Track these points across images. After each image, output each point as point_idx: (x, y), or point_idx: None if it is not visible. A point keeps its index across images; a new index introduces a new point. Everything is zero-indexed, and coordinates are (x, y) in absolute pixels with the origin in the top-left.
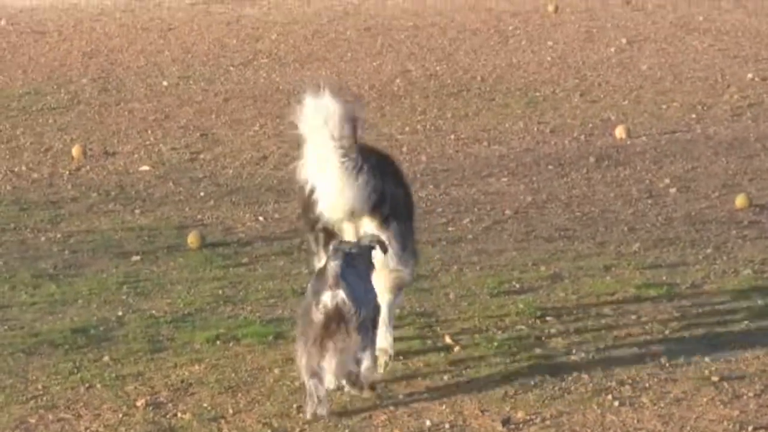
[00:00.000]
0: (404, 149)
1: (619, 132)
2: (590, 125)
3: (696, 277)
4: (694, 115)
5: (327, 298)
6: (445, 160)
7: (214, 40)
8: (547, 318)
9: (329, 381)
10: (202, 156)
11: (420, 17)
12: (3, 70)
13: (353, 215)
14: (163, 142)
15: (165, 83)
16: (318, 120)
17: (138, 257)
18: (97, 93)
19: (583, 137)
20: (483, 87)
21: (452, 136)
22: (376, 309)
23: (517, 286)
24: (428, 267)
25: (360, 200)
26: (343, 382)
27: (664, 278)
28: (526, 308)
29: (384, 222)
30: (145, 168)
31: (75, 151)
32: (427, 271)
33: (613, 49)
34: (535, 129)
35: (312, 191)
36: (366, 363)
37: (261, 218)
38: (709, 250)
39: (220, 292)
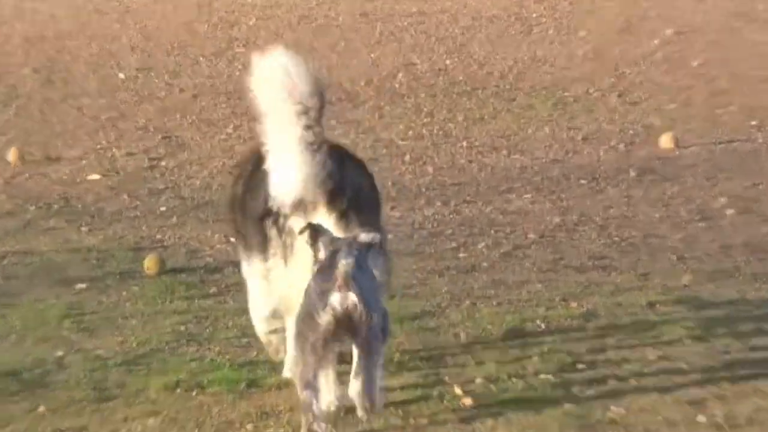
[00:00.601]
0: (407, 158)
1: (665, 141)
2: (630, 132)
3: (760, 317)
4: (754, 122)
5: (336, 301)
6: (455, 171)
7: (181, 25)
8: (578, 365)
9: (333, 399)
10: (163, 163)
11: (427, 2)
12: None
13: (306, 203)
14: (117, 146)
15: (121, 76)
16: (277, 80)
17: (83, 285)
18: (40, 86)
19: (621, 146)
20: (502, 85)
21: (464, 143)
22: (386, 318)
23: (542, 325)
24: (434, 301)
25: (314, 183)
26: (352, 400)
27: (720, 318)
28: (552, 353)
29: (342, 217)
30: (95, 177)
31: (11, 155)
32: (432, 306)
33: (657, 42)
34: (564, 136)
35: (261, 169)
36: (378, 381)
37: (233, 239)
38: None
39: (183, 328)
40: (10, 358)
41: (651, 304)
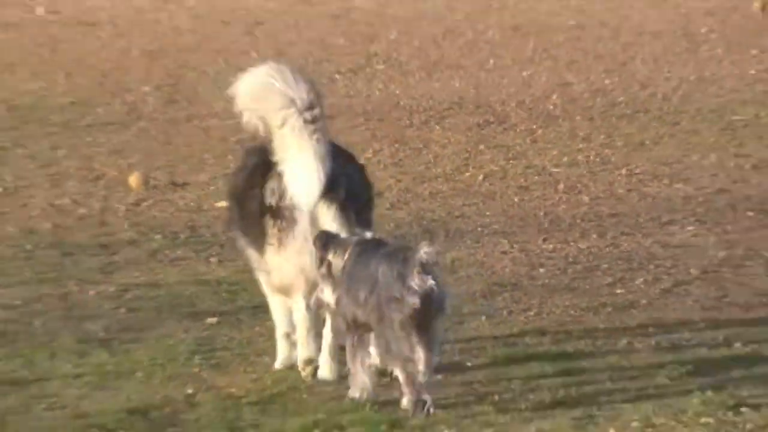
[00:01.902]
0: (561, 186)
1: None
2: None
3: None
4: None
5: (416, 283)
6: (613, 201)
7: (315, 39)
8: (742, 409)
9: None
10: None
11: (584, 14)
12: (41, 74)
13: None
14: None
15: None
16: (279, 90)
17: (214, 319)
18: (163, 105)
19: None
20: (665, 107)
21: (624, 171)
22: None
23: (704, 367)
24: (588, 340)
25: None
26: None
27: None
28: (715, 397)
29: (341, 209)
30: (224, 204)
31: (133, 180)
32: (586, 345)
33: None
34: (732, 164)
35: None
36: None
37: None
38: None
39: None
40: (137, 396)
41: None
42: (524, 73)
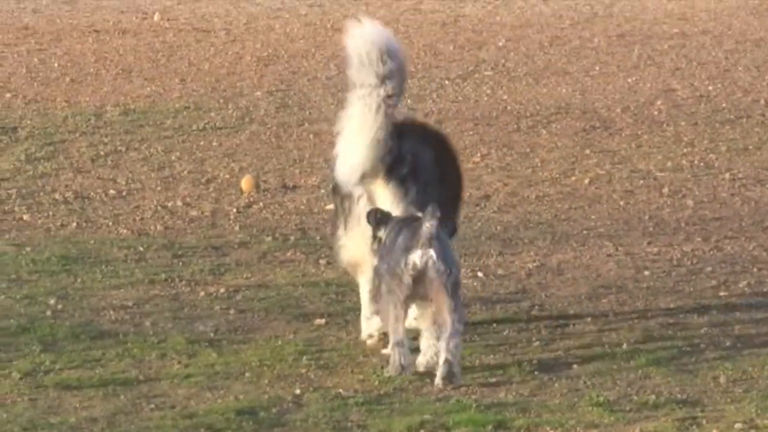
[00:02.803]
0: (665, 190)
1: None
2: None
3: None
4: None
5: (416, 257)
6: (717, 205)
7: (425, 46)
8: None
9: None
10: None
11: (689, 22)
12: (156, 79)
13: (367, 175)
14: None
15: None
16: (361, 51)
17: (322, 321)
18: (275, 110)
19: None
20: (767, 113)
21: (727, 176)
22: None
23: None
24: (692, 341)
25: (375, 159)
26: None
27: None
28: None
29: (398, 186)
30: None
31: (245, 183)
32: (690, 346)
33: None
34: None
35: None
36: (453, 336)
37: (480, 274)
38: None
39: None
40: (245, 396)
41: None
42: (629, 80)
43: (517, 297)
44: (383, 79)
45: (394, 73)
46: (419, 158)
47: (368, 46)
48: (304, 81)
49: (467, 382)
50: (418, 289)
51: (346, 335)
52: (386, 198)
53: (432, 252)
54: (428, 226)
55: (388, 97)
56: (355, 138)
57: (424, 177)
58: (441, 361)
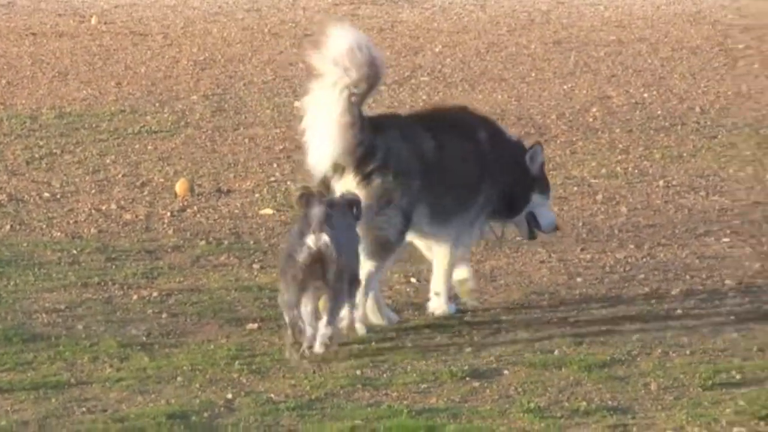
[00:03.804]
0: (599, 197)
1: None
2: None
3: None
4: None
5: (311, 241)
6: (651, 212)
7: None
8: None
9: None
10: None
11: (625, 30)
12: (92, 82)
13: (339, 167)
14: (292, 178)
15: (297, 104)
16: (337, 52)
17: (255, 325)
18: (210, 114)
19: None
20: (702, 121)
21: (661, 183)
22: (357, 263)
23: (738, 377)
24: (624, 349)
25: (345, 151)
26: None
27: None
28: (748, 406)
29: (365, 180)
30: (268, 211)
31: (179, 186)
32: (622, 354)
33: None
34: None
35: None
36: (330, 318)
37: (414, 279)
38: None
39: (358, 372)
40: (177, 401)
41: None
42: (565, 86)
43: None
44: (346, 70)
45: (361, 66)
46: (393, 151)
47: (340, 41)
48: (240, 85)
49: (399, 388)
50: (315, 272)
51: (278, 340)
52: (355, 190)
53: (325, 236)
54: (316, 211)
55: (354, 88)
56: (320, 127)
57: (398, 169)
58: (316, 345)
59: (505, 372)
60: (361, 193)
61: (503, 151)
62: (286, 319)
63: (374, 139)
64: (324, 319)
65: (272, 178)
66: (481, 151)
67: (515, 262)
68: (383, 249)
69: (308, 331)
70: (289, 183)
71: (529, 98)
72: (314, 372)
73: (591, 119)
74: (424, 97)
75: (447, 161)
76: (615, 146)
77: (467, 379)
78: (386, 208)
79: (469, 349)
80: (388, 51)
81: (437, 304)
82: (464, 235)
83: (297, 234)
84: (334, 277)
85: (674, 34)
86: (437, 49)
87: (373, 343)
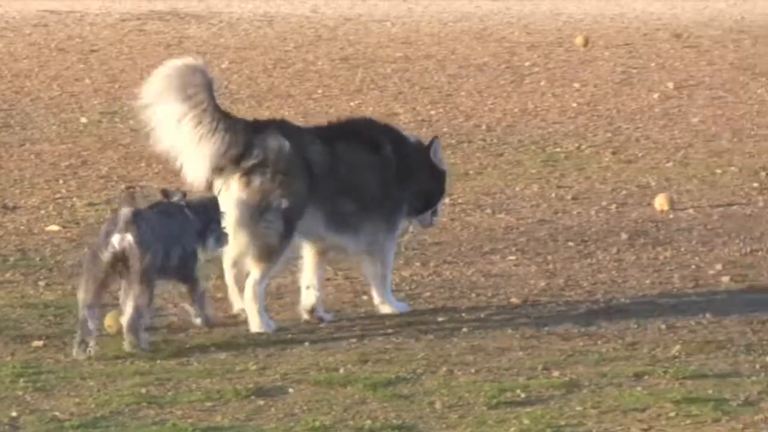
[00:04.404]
0: None
1: (660, 202)
2: (623, 192)
3: (751, 391)
4: (756, 184)
5: (116, 240)
6: (436, 230)
7: (149, 67)
8: None
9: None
10: None
11: (412, 46)
12: None
13: (218, 169)
14: (78, 195)
15: (83, 120)
16: (167, 83)
17: (40, 342)
18: None
19: (613, 207)
20: (489, 138)
21: (447, 200)
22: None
23: (523, 395)
24: (409, 367)
25: (218, 155)
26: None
27: (710, 392)
28: (532, 424)
29: (245, 176)
30: (54, 228)
31: None
32: (407, 372)
33: (656, 96)
34: (553, 195)
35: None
36: (131, 311)
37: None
38: None
39: (144, 390)
40: None
41: (638, 375)
42: (352, 103)
43: (235, 320)
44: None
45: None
46: (270, 151)
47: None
48: (26, 101)
49: (184, 406)
50: (118, 271)
51: (64, 357)
52: (234, 190)
53: (129, 236)
54: (124, 211)
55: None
56: (191, 146)
57: (277, 168)
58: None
59: (291, 390)
60: (243, 195)
61: (408, 154)
62: (79, 315)
63: (252, 139)
64: (126, 319)
65: (58, 195)
66: (386, 158)
67: (301, 279)
68: (267, 255)
69: (93, 331)
70: (74, 199)
71: (317, 115)
72: (99, 390)
73: None
74: None
75: (344, 168)
76: None
77: (252, 397)
78: (266, 212)
79: (254, 367)
80: None
81: (389, 310)
82: (387, 241)
83: (104, 233)
84: (137, 278)
85: (461, 52)
86: (224, 65)
87: (159, 361)
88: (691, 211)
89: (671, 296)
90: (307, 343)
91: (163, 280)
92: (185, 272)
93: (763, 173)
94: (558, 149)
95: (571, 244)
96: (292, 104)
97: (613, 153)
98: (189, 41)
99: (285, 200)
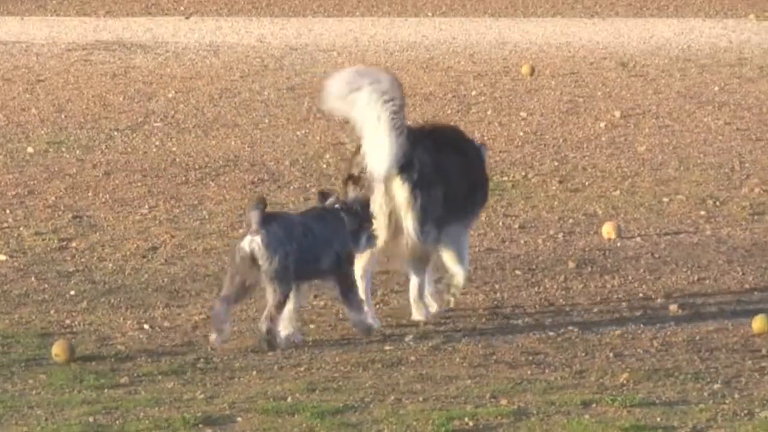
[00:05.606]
0: None
1: (607, 231)
2: (570, 221)
3: (699, 419)
4: (703, 212)
5: (245, 243)
6: (385, 258)
7: (95, 97)
8: None
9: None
10: (73, 244)
11: None
12: None
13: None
14: (25, 224)
15: (30, 150)
16: (367, 81)
17: None
18: None
19: (561, 236)
20: None
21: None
22: (296, 263)
23: (471, 423)
24: (357, 396)
25: (393, 160)
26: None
27: (658, 419)
28: None
29: (413, 189)
30: (1, 258)
31: None
32: (355, 400)
33: (603, 125)
34: (500, 223)
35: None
36: (271, 312)
37: (147, 326)
38: (716, 386)
39: (91, 419)
40: None
41: (586, 404)
42: (298, 133)
43: (183, 349)
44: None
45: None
46: (427, 164)
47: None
48: None
49: None
50: (251, 272)
51: (10, 387)
52: (400, 196)
53: (258, 238)
54: (253, 214)
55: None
56: (378, 136)
57: (430, 183)
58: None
59: (239, 419)
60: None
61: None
62: (214, 309)
63: (412, 149)
64: (264, 314)
65: (5, 224)
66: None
67: (249, 308)
68: (420, 262)
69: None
70: (21, 229)
71: (263, 144)
72: (47, 419)
73: (324, 165)
74: (157, 143)
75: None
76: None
77: (200, 426)
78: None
79: (202, 396)
80: (121, 97)
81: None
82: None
83: (241, 235)
84: (267, 279)
85: (407, 81)
86: (170, 95)
87: (106, 390)
88: (638, 239)
89: (619, 324)
90: (254, 372)
91: (316, 282)
92: (339, 274)
93: (710, 201)
94: (505, 178)
95: (518, 272)
96: (238, 134)
97: (560, 182)
98: (135, 71)
99: (435, 207)
